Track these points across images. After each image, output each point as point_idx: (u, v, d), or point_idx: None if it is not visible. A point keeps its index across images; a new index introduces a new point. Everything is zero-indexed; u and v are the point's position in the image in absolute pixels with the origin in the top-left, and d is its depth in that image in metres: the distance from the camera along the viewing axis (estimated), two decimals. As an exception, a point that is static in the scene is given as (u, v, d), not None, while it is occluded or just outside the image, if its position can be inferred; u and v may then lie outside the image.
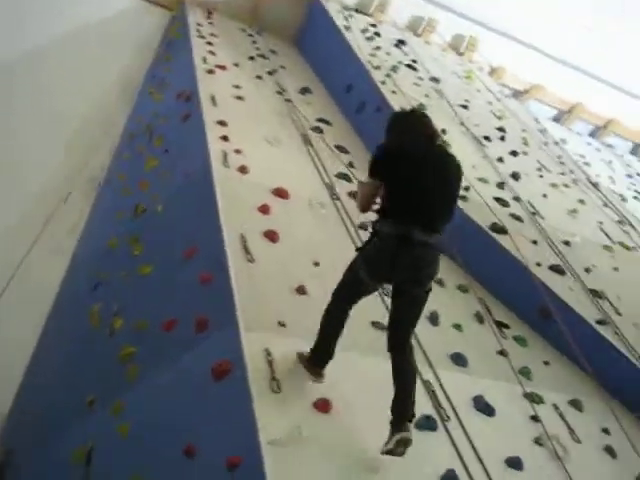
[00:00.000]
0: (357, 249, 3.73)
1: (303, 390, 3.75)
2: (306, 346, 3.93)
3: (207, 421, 3.68)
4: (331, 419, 3.65)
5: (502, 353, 5.17)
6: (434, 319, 5.08)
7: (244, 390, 3.51)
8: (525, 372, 5.09)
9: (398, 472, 3.33)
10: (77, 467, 4.24)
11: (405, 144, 3.57)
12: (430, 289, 3.60)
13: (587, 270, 6.68)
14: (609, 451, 4.75)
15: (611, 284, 6.68)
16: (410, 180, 3.46)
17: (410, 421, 3.42)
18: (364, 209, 3.68)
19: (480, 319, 5.51)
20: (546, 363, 5.42)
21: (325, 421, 3.63)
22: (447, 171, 3.60)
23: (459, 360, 4.79)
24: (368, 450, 3.52)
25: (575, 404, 5.06)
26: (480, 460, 3.96)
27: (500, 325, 5.56)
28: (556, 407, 4.92)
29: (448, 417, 4.17)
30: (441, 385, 4.41)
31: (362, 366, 4.13)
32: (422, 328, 4.83)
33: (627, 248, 8.04)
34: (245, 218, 5.09)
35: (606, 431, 4.94)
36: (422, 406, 4.14)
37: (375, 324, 4.52)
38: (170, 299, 4.73)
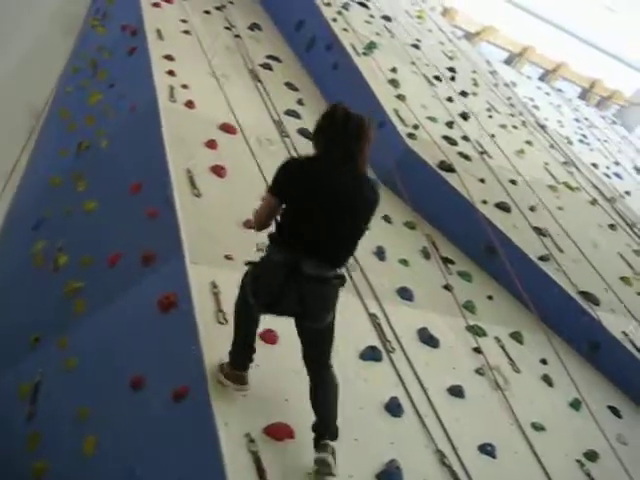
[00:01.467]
0: (247, 263, 3.26)
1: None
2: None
3: (154, 353, 3.70)
4: (277, 350, 3.69)
5: (447, 288, 5.28)
6: (381, 254, 5.15)
7: (190, 322, 3.53)
8: (469, 306, 5.21)
9: (342, 400, 3.39)
10: (24, 403, 4.23)
11: (314, 163, 3.08)
12: (333, 319, 3.19)
13: (532, 208, 6.82)
14: (546, 380, 4.94)
15: (554, 222, 6.85)
16: (310, 206, 3.00)
17: (332, 439, 3.09)
18: (259, 227, 3.20)
19: (426, 255, 5.60)
20: (490, 298, 5.56)
21: (271, 352, 3.67)
22: (358, 200, 3.07)
23: (405, 294, 4.88)
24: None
25: (516, 336, 5.23)
26: (423, 389, 4.08)
27: (446, 261, 5.66)
28: (498, 339, 5.07)
29: (393, 349, 4.26)
30: (387, 318, 4.50)
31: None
32: (369, 263, 4.92)
33: (571, 188, 8.23)
34: (192, 153, 5.02)
35: (544, 362, 5.13)
36: (368, 338, 4.23)
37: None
38: (115, 234, 4.69)
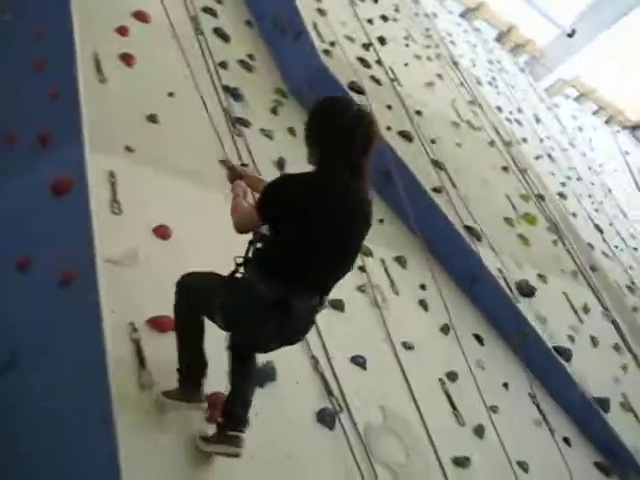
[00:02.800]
0: (231, 274, 2.81)
1: (144, 215, 3.79)
2: (153, 174, 3.94)
3: (44, 236, 3.65)
4: (169, 246, 3.74)
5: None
6: (281, 165, 5.20)
7: (83, 207, 3.50)
8: (360, 226, 5.38)
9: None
10: None
11: (311, 184, 2.59)
12: None
13: (433, 141, 7.03)
14: (422, 304, 5.26)
15: (452, 157, 7.11)
16: (306, 238, 2.58)
17: (241, 430, 2.91)
18: (240, 231, 2.81)
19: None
20: (381, 221, 5.76)
21: (163, 247, 3.71)
22: (357, 228, 2.72)
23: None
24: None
25: (400, 260, 5.49)
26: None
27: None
28: (383, 261, 5.32)
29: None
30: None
31: (206, 200, 4.19)
32: (269, 174, 4.95)
33: (473, 127, 8.51)
34: (101, 37, 4.84)
35: (423, 287, 5.43)
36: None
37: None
38: (13, 111, 4.49)
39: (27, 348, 3.27)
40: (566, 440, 5.48)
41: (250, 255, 2.78)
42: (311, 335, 3.99)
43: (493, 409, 4.87)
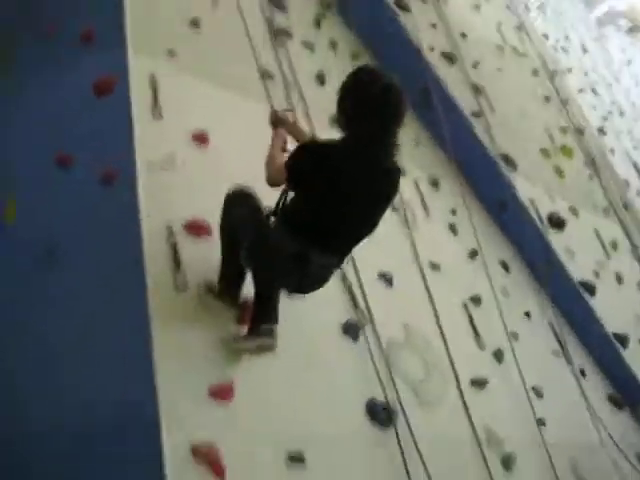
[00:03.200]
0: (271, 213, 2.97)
1: (183, 121, 3.81)
2: (194, 81, 3.94)
3: (85, 135, 3.69)
4: (207, 153, 3.78)
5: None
6: (321, 79, 5.15)
7: (125, 108, 3.53)
8: (395, 149, 5.36)
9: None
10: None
11: (339, 151, 2.68)
12: None
13: (475, 65, 6.89)
14: (452, 228, 5.28)
15: (494, 83, 6.97)
16: (332, 202, 2.72)
17: (273, 323, 3.10)
18: (271, 184, 2.89)
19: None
20: (417, 143, 5.73)
21: (201, 154, 3.75)
22: (382, 197, 2.87)
23: (338, 122, 4.95)
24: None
25: (433, 183, 5.49)
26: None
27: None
28: (416, 183, 5.31)
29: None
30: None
31: (245, 110, 4.20)
32: (309, 88, 4.93)
33: (517, 53, 8.30)
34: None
35: (454, 212, 5.44)
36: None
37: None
38: (57, 5, 4.46)
39: (65, 244, 3.36)
40: (582, 372, 5.57)
41: (281, 205, 2.93)
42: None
43: (513, 336, 4.96)
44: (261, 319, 3.07)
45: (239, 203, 3.02)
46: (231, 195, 3.05)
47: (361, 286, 3.95)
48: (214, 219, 3.33)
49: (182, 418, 2.76)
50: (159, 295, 3.01)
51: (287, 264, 2.81)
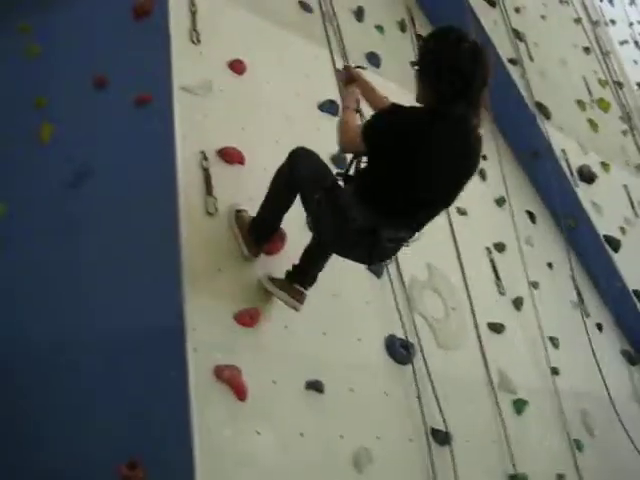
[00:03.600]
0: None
1: (221, 48, 3.80)
2: (233, 8, 3.90)
3: (122, 57, 3.69)
4: (243, 81, 3.77)
5: (414, 64, 5.29)
6: (360, 15, 5.07)
7: (163, 31, 3.53)
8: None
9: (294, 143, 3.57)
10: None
11: (424, 119, 2.46)
12: None
13: (517, 10, 6.73)
14: (481, 173, 5.19)
15: (534, 30, 6.82)
16: (410, 172, 2.49)
17: (306, 287, 3.09)
18: (345, 150, 2.78)
19: (403, 27, 5.55)
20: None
21: (237, 82, 3.75)
22: (463, 169, 2.63)
23: (373, 59, 4.90)
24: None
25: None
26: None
27: (419, 37, 5.62)
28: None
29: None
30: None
31: (283, 41, 4.16)
32: (346, 22, 4.87)
33: (561, 1, 8.08)
34: None
35: (484, 157, 5.33)
36: (327, 91, 4.27)
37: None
38: None
39: (100, 164, 3.41)
40: (599, 326, 5.60)
41: (353, 172, 2.74)
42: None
43: (534, 285, 4.99)
44: (300, 278, 3.05)
45: (307, 158, 2.93)
46: (298, 150, 2.96)
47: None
48: (248, 149, 3.37)
49: (207, 341, 2.84)
50: (190, 219, 3.05)
51: (355, 237, 2.69)
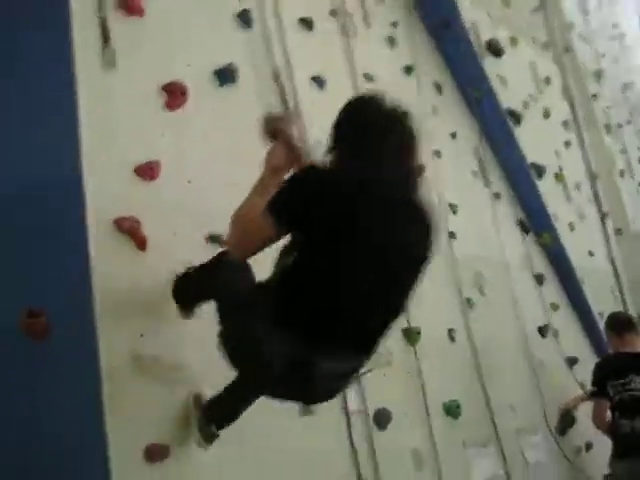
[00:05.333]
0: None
1: None
2: None
3: None
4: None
5: None
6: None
7: None
8: None
9: None
10: None
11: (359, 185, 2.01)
12: None
13: None
14: (390, 40, 5.20)
15: None
16: (341, 263, 1.95)
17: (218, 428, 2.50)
18: (238, 253, 2.17)
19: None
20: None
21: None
22: (419, 248, 2.15)
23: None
24: None
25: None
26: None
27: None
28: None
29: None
30: None
31: None
32: None
33: None
34: None
35: (394, 24, 5.33)
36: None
37: None
38: None
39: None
40: (497, 195, 5.86)
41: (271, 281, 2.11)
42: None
43: (436, 153, 5.12)
44: (214, 416, 2.50)
45: (231, 268, 2.31)
46: (223, 259, 2.39)
47: (293, 86, 3.97)
48: None
49: (106, 194, 2.83)
50: (86, 73, 2.92)
51: (280, 372, 2.01)
